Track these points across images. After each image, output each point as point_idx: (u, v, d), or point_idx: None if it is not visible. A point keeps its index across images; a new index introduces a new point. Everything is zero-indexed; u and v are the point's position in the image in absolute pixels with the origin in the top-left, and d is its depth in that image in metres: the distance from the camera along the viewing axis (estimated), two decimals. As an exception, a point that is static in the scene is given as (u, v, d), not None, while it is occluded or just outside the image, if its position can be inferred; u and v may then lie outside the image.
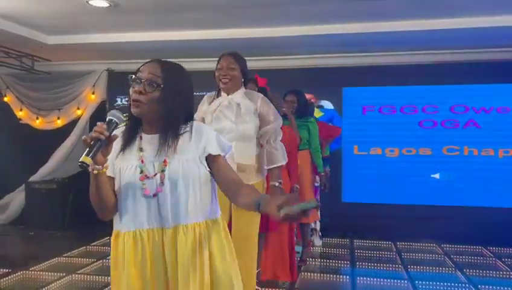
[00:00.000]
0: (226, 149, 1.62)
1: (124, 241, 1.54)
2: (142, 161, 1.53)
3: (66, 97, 6.45)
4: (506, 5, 4.20)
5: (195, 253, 1.51)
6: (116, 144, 1.51)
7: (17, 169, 6.51)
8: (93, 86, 6.35)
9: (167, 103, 1.51)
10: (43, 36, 5.32)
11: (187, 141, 1.56)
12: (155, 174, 1.51)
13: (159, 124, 1.54)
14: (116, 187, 1.55)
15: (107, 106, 6.49)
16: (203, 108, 2.70)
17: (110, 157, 1.49)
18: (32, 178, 6.32)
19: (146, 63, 1.57)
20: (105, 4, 4.21)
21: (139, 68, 1.56)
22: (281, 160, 2.74)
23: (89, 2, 4.16)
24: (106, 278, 3.97)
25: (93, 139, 1.39)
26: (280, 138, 2.80)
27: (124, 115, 1.52)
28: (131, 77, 1.54)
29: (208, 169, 1.58)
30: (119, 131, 1.54)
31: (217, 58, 2.84)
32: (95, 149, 1.38)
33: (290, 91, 4.18)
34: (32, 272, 4.15)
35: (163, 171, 1.51)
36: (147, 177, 1.51)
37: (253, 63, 5.72)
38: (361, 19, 4.63)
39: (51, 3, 4.24)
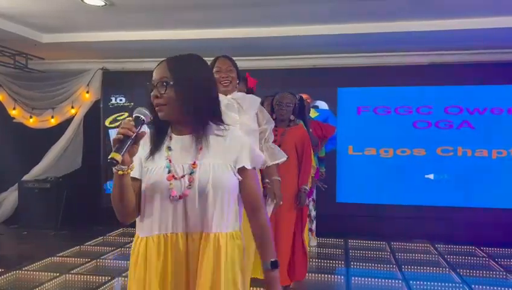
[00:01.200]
0: (258, 162, 1.57)
1: (146, 246, 1.48)
2: (170, 161, 1.47)
3: (60, 96, 6.41)
4: (501, 7, 4.23)
5: (215, 265, 1.44)
6: (144, 147, 1.48)
7: (10, 168, 6.46)
8: (88, 85, 6.32)
9: (183, 97, 1.44)
10: (37, 34, 5.28)
11: (221, 146, 1.50)
12: (183, 176, 1.45)
13: (188, 125, 1.49)
14: (143, 188, 1.49)
15: (101, 105, 6.46)
16: None
17: (137, 159, 1.45)
18: (26, 177, 6.28)
19: (157, 66, 1.53)
20: (101, 3, 4.18)
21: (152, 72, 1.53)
22: (282, 156, 2.89)
23: (84, 1, 4.13)
24: (100, 278, 3.95)
25: (122, 135, 1.34)
26: (272, 140, 2.92)
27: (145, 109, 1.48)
28: (148, 84, 1.51)
29: (239, 178, 1.51)
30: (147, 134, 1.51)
31: (212, 58, 2.83)
32: (125, 146, 1.34)
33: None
34: (26, 272, 4.12)
35: (191, 173, 1.44)
36: (174, 177, 1.45)
37: (249, 63, 5.76)
38: (356, 19, 4.65)
39: (46, 2, 4.21)
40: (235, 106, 2.60)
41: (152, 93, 1.48)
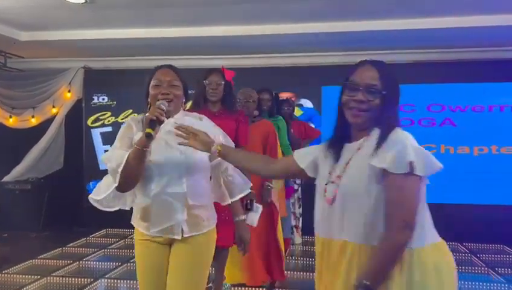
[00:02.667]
0: (398, 166, 1.38)
1: None
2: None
3: (41, 95, 6.29)
4: (482, 6, 4.28)
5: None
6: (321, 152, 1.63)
7: (-11, 169, 6.33)
8: (69, 83, 6.22)
9: (387, 111, 1.46)
10: (15, 32, 5.18)
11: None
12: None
13: (367, 132, 1.50)
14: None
15: (83, 104, 6.36)
16: (132, 135, 1.97)
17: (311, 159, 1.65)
18: (6, 178, 6.16)
19: (359, 65, 1.52)
20: (81, 0, 4.12)
21: (352, 71, 1.51)
22: (245, 186, 2.21)
23: (64, -2, 4.07)
24: (82, 280, 3.90)
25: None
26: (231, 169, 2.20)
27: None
28: (346, 81, 1.50)
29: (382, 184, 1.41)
30: None
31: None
32: (156, 125, 1.76)
33: (264, 89, 4.14)
34: (6, 275, 4.05)
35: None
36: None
37: (233, 62, 5.74)
38: (340, 18, 4.66)
39: (25, -1, 4.13)
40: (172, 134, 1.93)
41: (354, 96, 1.46)
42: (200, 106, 2.99)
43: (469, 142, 5.67)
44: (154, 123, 1.75)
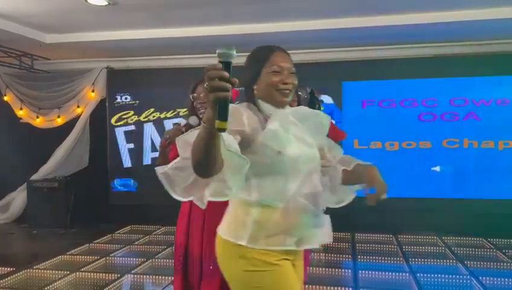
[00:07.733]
0: None
1: None
2: None
3: (66, 95, 6.46)
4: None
5: None
6: None
7: (19, 168, 6.53)
8: (93, 84, 6.36)
9: None
10: (41, 35, 5.33)
11: None
12: None
13: None
14: None
15: (107, 104, 6.50)
16: (246, 122, 1.58)
17: None
18: (34, 177, 6.35)
19: None
20: (104, 2, 4.21)
21: None
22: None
23: (88, 1, 4.16)
24: (109, 275, 4.00)
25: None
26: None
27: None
28: None
29: None
30: None
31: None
32: (227, 110, 1.17)
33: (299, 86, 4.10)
34: (36, 271, 4.18)
35: None
36: None
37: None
38: (359, 13, 4.64)
39: (50, 2, 4.25)
40: (306, 125, 1.74)
41: None
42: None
43: (494, 136, 5.57)
44: (224, 107, 1.19)
